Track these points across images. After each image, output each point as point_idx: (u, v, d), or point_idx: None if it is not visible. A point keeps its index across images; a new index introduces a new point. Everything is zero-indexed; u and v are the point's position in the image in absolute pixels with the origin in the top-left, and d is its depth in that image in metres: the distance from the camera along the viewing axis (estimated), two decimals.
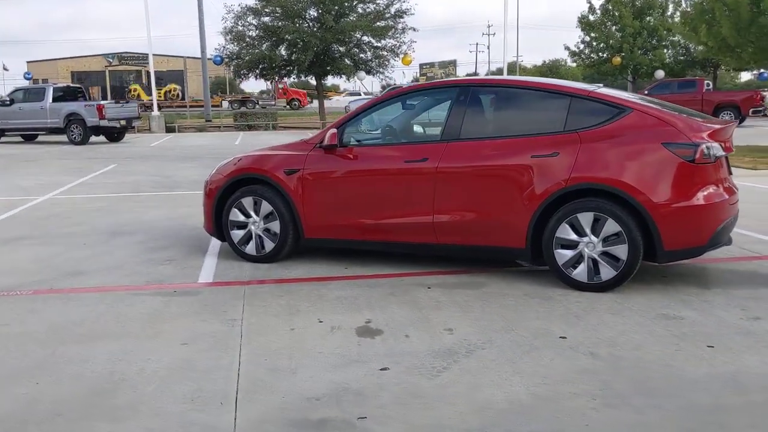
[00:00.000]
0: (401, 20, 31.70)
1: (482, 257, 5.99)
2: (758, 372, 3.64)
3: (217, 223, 6.41)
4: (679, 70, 37.55)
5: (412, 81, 46.91)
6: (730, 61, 21.14)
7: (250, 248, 6.27)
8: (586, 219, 5.11)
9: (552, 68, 69.42)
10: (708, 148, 4.99)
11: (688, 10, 24.75)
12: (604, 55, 38.89)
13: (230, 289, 5.47)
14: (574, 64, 47.67)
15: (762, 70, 33.61)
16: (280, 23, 30.59)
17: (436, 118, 5.96)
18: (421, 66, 50.68)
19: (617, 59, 36.92)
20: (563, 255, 5.21)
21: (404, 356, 3.97)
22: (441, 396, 3.45)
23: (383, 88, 38.24)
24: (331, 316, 4.74)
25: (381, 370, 3.79)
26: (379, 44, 32.53)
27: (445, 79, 7.11)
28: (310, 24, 30.92)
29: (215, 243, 7.05)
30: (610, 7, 38.52)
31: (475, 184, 5.48)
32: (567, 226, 5.17)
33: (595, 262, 5.14)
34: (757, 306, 4.76)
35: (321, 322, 4.62)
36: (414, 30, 32.09)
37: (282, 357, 4.00)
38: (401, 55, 32.77)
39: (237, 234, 6.31)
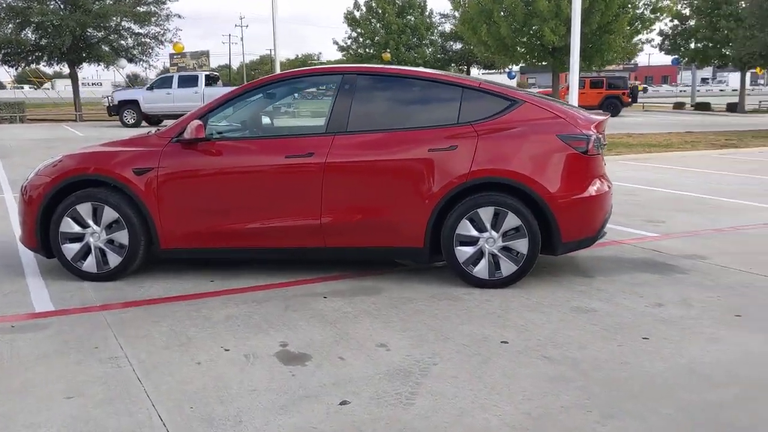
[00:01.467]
0: (165, 6, 29.74)
1: (375, 259, 5.55)
2: (709, 361, 3.69)
3: (43, 237, 5.20)
4: (438, 67, 40.05)
5: (161, 73, 43.36)
6: (504, 59, 22.94)
7: (89, 264, 5.17)
8: (486, 214, 4.92)
9: (304, 63, 70.09)
10: (597, 139, 5.06)
11: (457, 13, 26.39)
12: (371, 51, 40.14)
13: (85, 317, 4.41)
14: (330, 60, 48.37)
15: (509, 68, 37.00)
16: (25, 4, 26.96)
17: (320, 109, 5.37)
18: (171, 56, 47.29)
19: (386, 55, 38.31)
20: (464, 252, 4.97)
21: (355, 384, 3.42)
22: (433, 429, 2.98)
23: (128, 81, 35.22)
24: (235, 341, 3.99)
25: (341, 404, 3.21)
26: (141, 31, 30.21)
27: (328, 66, 6.43)
28: (62, 6, 27.69)
29: (29, 260, 5.76)
30: (374, 5, 39.81)
31: (368, 181, 5.02)
32: (467, 222, 4.93)
33: (495, 257, 4.97)
34: (649, 292, 4.92)
35: (227, 350, 3.87)
36: (179, 17, 30.31)
37: (210, 401, 3.23)
38: (167, 43, 30.76)
39: (71, 248, 5.16)
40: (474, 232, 4.94)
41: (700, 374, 3.53)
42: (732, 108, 36.25)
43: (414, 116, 5.18)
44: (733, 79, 74.76)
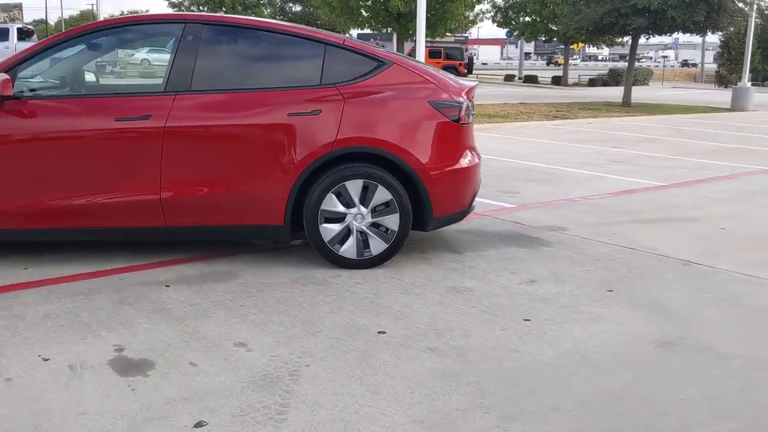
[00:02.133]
0: None
1: (227, 240, 4.89)
2: (595, 345, 3.49)
3: None
4: None
5: None
6: (348, 23, 22.39)
7: None
8: (354, 187, 4.44)
9: None
10: (468, 107, 4.73)
11: None
12: (205, 9, 37.98)
13: None
14: None
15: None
16: None
17: (157, 63, 4.58)
18: None
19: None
20: (329, 230, 4.47)
21: (212, 397, 2.83)
22: None
23: None
24: (57, 348, 3.24)
25: (197, 426, 2.62)
26: None
27: (167, 13, 5.51)
28: None
29: None
30: None
31: (216, 150, 4.35)
32: (333, 196, 4.43)
33: (364, 235, 4.52)
34: (519, 267, 4.72)
35: (47, 360, 3.12)
36: None
37: None
38: None
39: None
40: (341, 208, 4.45)
41: (590, 360, 3.30)
42: (557, 81, 38.39)
43: (271, 75, 4.56)
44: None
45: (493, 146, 11.13)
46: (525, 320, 3.77)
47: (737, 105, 21.37)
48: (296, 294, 4.07)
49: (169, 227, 4.40)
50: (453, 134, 4.64)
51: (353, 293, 4.10)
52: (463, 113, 4.64)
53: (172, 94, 4.31)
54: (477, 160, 4.86)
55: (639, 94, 25.66)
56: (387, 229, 4.53)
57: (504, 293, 4.19)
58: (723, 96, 27.37)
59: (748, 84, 22.05)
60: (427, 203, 4.55)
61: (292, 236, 4.57)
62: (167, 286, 4.12)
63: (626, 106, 20.60)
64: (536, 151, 10.94)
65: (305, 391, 2.91)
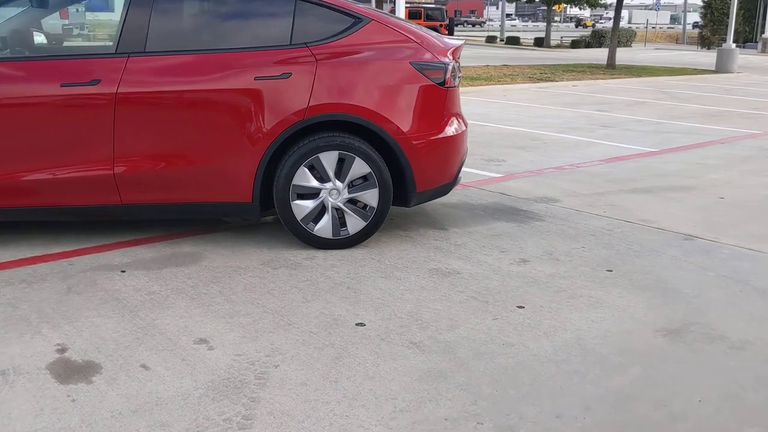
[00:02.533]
0: None
1: (188, 218, 4.47)
2: (596, 335, 3.15)
3: None
4: None
5: None
6: None
7: None
8: (329, 160, 4.03)
9: None
10: (454, 68, 4.31)
11: None
12: None
13: None
14: None
15: None
16: None
17: (107, 22, 4.11)
18: None
19: None
20: (302, 207, 4.07)
21: (165, 408, 2.46)
22: None
23: None
24: None
25: None
26: None
27: None
28: None
29: None
30: None
31: (174, 118, 3.91)
32: (306, 170, 4.02)
33: (340, 212, 4.12)
34: (509, 245, 4.36)
35: None
36: None
37: None
38: None
39: None
40: (314, 183, 4.04)
41: (593, 354, 2.97)
42: (539, 43, 37.78)
43: (235, 34, 4.09)
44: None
45: (476, 110, 10.71)
46: (518, 307, 3.42)
47: (722, 67, 21.03)
48: (266, 280, 3.68)
49: (125, 205, 3.97)
50: (437, 99, 4.23)
51: (329, 278, 3.72)
52: (448, 75, 4.22)
53: (125, 56, 3.84)
54: (464, 128, 4.46)
55: (623, 55, 25.25)
56: (365, 206, 4.14)
57: (494, 276, 3.84)
58: (707, 58, 27.04)
59: (733, 45, 21.69)
60: (409, 176, 4.16)
61: (263, 214, 4.17)
62: (122, 272, 3.71)
63: (611, 68, 20.19)
64: (521, 116, 10.53)
65: (273, 398, 2.54)
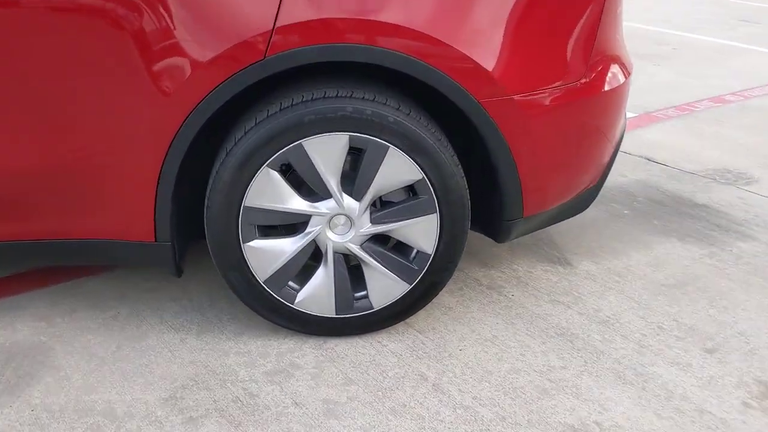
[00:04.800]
0: None
1: (38, 267, 2.28)
2: None
3: None
4: None
5: None
6: None
7: None
8: (328, 152, 1.73)
9: None
10: None
11: None
12: None
13: None
14: None
15: None
16: None
17: None
18: None
19: None
20: (269, 253, 1.83)
21: None
22: None
23: None
24: None
25: None
26: None
27: None
28: None
29: None
30: None
31: None
32: (274, 174, 1.74)
33: (352, 262, 1.87)
34: (715, 329, 2.06)
35: None
36: None
37: None
38: None
39: None
40: (295, 203, 1.78)
41: None
42: None
43: None
44: None
45: None
46: None
47: None
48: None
49: None
50: (578, 17, 1.82)
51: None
52: None
53: None
54: (624, 78, 2.04)
55: None
56: (409, 250, 1.87)
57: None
58: None
59: None
60: (509, 185, 1.84)
61: (180, 263, 1.93)
62: None
63: None
64: (625, 6, 7.77)
65: None
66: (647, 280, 2.28)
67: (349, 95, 1.70)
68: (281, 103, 1.71)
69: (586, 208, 2.13)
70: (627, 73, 2.03)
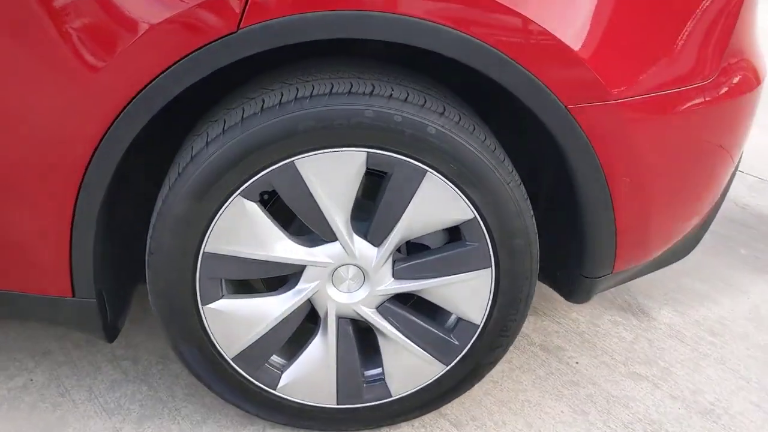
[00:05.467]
0: None
1: None
2: None
3: None
4: None
5: None
6: None
7: None
8: (337, 175, 1.13)
9: None
10: None
11: None
12: None
13: None
14: None
15: None
16: None
17: None
18: None
19: None
20: (239, 321, 1.23)
21: None
22: None
23: None
24: None
25: None
26: None
27: None
28: None
29: None
30: None
31: None
32: (251, 207, 1.13)
33: (363, 334, 1.28)
34: None
35: None
36: None
37: None
38: None
39: None
40: (283, 248, 1.18)
41: None
42: None
43: None
44: None
45: None
46: None
47: None
48: None
49: None
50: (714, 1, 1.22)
51: None
52: None
53: None
54: (758, 84, 1.42)
55: None
56: (445, 316, 1.29)
57: None
58: None
59: None
60: (599, 229, 1.25)
61: (113, 323, 1.34)
62: None
63: None
64: None
65: None
66: (751, 343, 1.71)
67: (368, 92, 1.10)
68: (263, 100, 1.11)
69: (688, 254, 1.55)
70: (760, 79, 1.42)
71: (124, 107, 1.07)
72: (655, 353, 1.65)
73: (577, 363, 1.60)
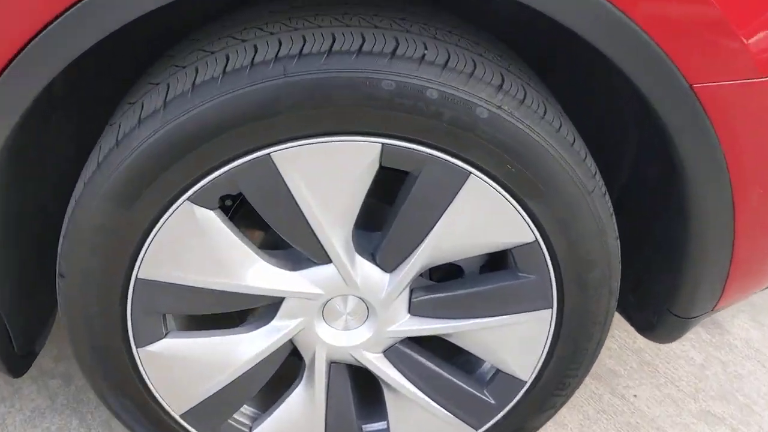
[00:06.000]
0: None
1: None
2: None
3: None
4: None
5: None
6: None
7: None
8: (335, 174, 0.74)
9: None
10: None
11: None
12: None
13: None
14: None
15: None
16: None
17: None
18: None
19: None
20: (186, 373, 0.86)
21: None
22: None
23: None
24: None
25: None
26: None
27: None
28: None
29: None
30: None
31: None
32: (206, 215, 0.75)
33: (360, 380, 0.93)
34: None
35: None
36: None
37: None
38: None
39: None
40: (254, 273, 0.80)
41: None
42: None
43: None
44: None
45: None
46: None
47: None
48: None
49: None
50: None
51: None
52: None
53: None
54: None
55: None
56: (477, 364, 0.92)
57: None
58: None
59: None
60: (709, 255, 0.87)
61: (25, 349, 0.97)
62: None
63: None
64: None
65: None
66: None
67: (389, 50, 0.70)
68: (227, 57, 0.71)
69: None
70: None
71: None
72: (732, 382, 1.31)
73: (635, 396, 1.26)
